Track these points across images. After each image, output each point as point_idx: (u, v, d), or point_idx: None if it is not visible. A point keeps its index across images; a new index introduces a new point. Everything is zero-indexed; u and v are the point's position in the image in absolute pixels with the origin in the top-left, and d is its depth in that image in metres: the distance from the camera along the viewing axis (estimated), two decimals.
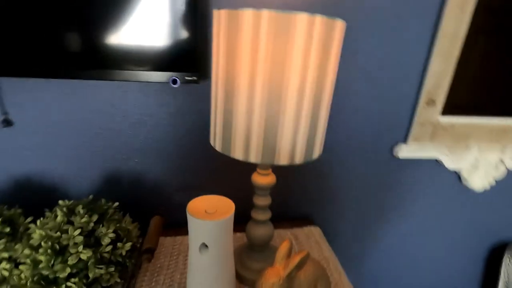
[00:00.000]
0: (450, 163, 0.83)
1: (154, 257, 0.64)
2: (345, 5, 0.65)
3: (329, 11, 0.65)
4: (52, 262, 0.46)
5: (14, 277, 0.48)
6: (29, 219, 0.57)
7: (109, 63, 0.54)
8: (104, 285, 0.51)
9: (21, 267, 0.47)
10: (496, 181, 0.90)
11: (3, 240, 0.51)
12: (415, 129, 0.78)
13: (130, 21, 0.52)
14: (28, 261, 0.47)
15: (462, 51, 0.76)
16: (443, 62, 0.72)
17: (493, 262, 1.06)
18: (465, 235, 1.02)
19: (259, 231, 0.59)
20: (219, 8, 0.60)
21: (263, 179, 0.54)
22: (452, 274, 1.08)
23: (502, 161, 0.87)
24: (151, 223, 0.64)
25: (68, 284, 0.47)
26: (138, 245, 0.63)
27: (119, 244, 0.53)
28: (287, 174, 0.79)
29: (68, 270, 0.47)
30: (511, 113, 0.86)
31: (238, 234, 0.73)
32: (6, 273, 0.48)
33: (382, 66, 0.72)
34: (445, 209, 0.95)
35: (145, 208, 0.75)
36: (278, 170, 0.78)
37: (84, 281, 0.48)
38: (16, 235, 0.55)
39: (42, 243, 0.47)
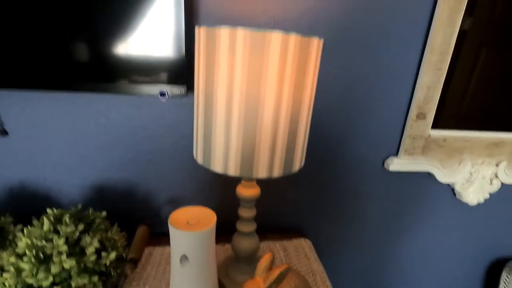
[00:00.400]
0: (442, 177, 0.83)
1: (141, 267, 0.64)
2: (334, 21, 0.67)
3: (319, 27, 0.67)
4: (35, 270, 0.47)
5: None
6: (18, 227, 0.59)
7: (103, 77, 0.56)
8: None
9: (5, 275, 0.48)
10: (490, 195, 0.89)
11: None
12: (406, 143, 0.78)
13: (123, 38, 0.54)
14: (11, 269, 0.47)
15: (454, 64, 0.76)
16: (432, 76, 0.73)
17: (491, 279, 1.04)
18: (462, 251, 1.00)
19: (244, 243, 0.59)
20: (202, 25, 0.63)
21: (247, 191, 0.55)
22: None
23: (496, 175, 0.86)
24: (137, 232, 0.64)
25: None
26: (124, 255, 0.63)
27: (103, 254, 0.54)
28: (278, 186, 0.80)
29: (51, 279, 0.47)
30: (503, 127, 0.86)
31: (227, 246, 0.73)
32: None
33: (373, 80, 0.73)
34: (439, 223, 0.94)
35: (135, 218, 0.75)
36: (269, 181, 0.78)
37: None
38: (5, 243, 0.56)
39: (27, 251, 0.48)
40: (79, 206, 0.61)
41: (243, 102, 0.40)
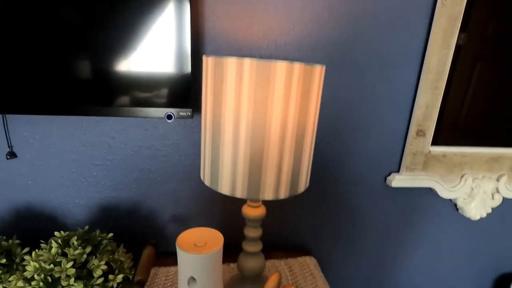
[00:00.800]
0: (444, 192, 0.84)
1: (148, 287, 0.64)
2: (334, 45, 0.69)
3: (319, 51, 0.69)
4: None
5: None
6: (25, 250, 0.59)
7: (111, 100, 0.58)
8: None
9: None
10: (492, 209, 0.90)
11: None
12: (407, 159, 0.79)
13: (131, 61, 0.56)
14: None
15: (450, 79, 0.78)
16: (430, 95, 0.75)
17: None
18: (466, 266, 0.99)
19: (250, 263, 0.59)
20: (211, 50, 0.65)
21: (253, 211, 0.56)
22: None
23: (497, 190, 0.87)
24: (143, 254, 0.65)
25: None
26: (131, 277, 0.63)
27: (110, 276, 0.54)
28: (281, 205, 0.80)
29: None
30: (502, 142, 0.88)
31: (232, 265, 0.73)
32: None
33: (372, 100, 0.75)
34: (442, 238, 0.94)
35: (140, 236, 0.76)
36: (273, 201, 0.79)
37: None
38: (12, 266, 0.56)
39: (35, 276, 0.48)
40: (86, 227, 0.61)
41: (249, 128, 0.41)
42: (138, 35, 0.55)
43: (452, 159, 0.82)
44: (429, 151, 0.80)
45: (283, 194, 0.45)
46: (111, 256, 0.56)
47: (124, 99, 0.59)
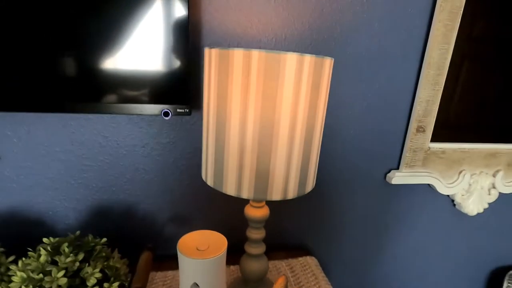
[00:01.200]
0: (442, 188, 0.84)
1: None
2: (335, 39, 0.68)
3: (319, 45, 0.67)
4: None
5: None
6: (10, 259, 0.55)
7: (103, 97, 0.54)
8: None
9: None
10: (489, 205, 0.91)
11: None
12: (407, 156, 0.79)
13: (124, 56, 0.53)
14: None
15: (451, 78, 0.78)
16: (430, 90, 0.74)
17: (493, 287, 1.05)
18: (463, 259, 1.00)
19: (253, 266, 0.57)
20: (209, 44, 0.62)
21: (257, 211, 0.53)
22: None
23: (494, 186, 0.88)
24: (140, 259, 0.61)
25: None
26: (127, 284, 0.60)
27: (105, 285, 0.51)
28: (281, 204, 0.78)
29: None
30: (499, 138, 0.88)
31: (232, 268, 0.71)
32: None
33: (373, 96, 0.74)
34: (440, 233, 0.94)
35: (135, 240, 0.72)
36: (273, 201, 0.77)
37: None
38: None
39: (23, 287, 0.44)
40: (78, 232, 0.57)
41: (257, 124, 0.39)
42: (129, 27, 0.52)
43: (451, 155, 0.82)
44: (429, 148, 0.80)
45: (291, 194, 0.43)
46: (105, 263, 0.53)
47: (116, 96, 0.55)
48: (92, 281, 0.49)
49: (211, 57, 0.40)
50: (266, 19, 0.63)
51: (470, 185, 0.86)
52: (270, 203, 0.77)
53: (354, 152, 0.78)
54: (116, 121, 0.63)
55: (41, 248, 0.50)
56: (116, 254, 0.57)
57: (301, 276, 0.71)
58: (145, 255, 0.62)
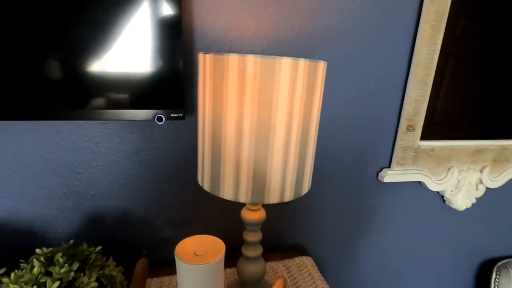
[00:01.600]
0: (433, 185, 0.86)
1: None
2: (324, 41, 0.68)
3: (310, 47, 0.68)
4: None
5: None
6: (2, 271, 0.53)
7: (94, 103, 0.54)
8: None
9: None
10: (476, 200, 0.93)
11: None
12: (397, 154, 0.80)
13: (115, 60, 0.52)
14: None
15: (436, 77, 0.80)
16: (419, 90, 0.76)
17: (482, 280, 1.08)
18: (453, 254, 1.03)
19: (251, 269, 0.57)
20: (202, 48, 0.62)
21: (253, 214, 0.53)
22: None
23: (481, 181, 0.91)
24: (136, 267, 0.60)
25: None
26: None
27: None
28: (276, 205, 0.79)
29: None
30: (484, 135, 0.91)
31: (228, 270, 0.71)
32: None
33: (363, 96, 0.75)
34: (431, 229, 0.96)
35: (130, 247, 0.71)
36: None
37: None
38: None
39: None
40: (71, 241, 0.56)
41: (254, 128, 0.39)
42: (120, 30, 0.51)
43: (439, 152, 0.84)
44: (419, 146, 0.82)
45: (288, 197, 0.44)
46: (101, 272, 0.52)
47: (108, 102, 0.54)
48: None
49: (205, 62, 0.40)
50: (258, 22, 0.64)
51: (458, 181, 0.88)
52: (265, 205, 0.77)
53: (346, 152, 0.79)
54: (107, 126, 0.62)
55: (34, 259, 0.49)
56: (111, 262, 0.56)
57: (297, 276, 0.71)
58: (141, 263, 0.61)
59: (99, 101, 0.54)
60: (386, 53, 0.73)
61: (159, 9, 0.52)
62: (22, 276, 0.47)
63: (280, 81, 0.37)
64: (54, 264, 0.49)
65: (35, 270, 0.47)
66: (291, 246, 0.84)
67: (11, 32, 0.47)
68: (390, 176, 0.81)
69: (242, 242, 0.58)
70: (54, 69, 0.51)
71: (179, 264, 0.45)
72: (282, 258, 0.77)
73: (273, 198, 0.42)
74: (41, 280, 0.46)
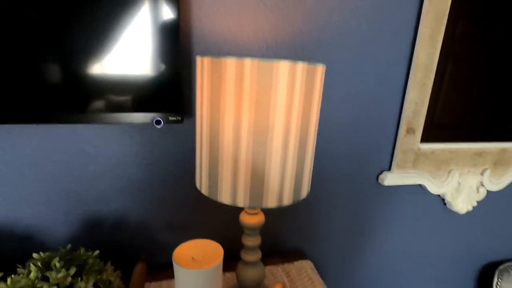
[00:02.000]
0: (433, 188, 0.85)
1: None
2: (324, 44, 0.68)
3: (309, 50, 0.68)
4: None
5: None
6: None
7: (92, 106, 0.53)
8: None
9: None
10: (477, 203, 0.93)
11: None
12: (397, 157, 0.80)
13: (113, 63, 0.52)
14: None
15: (436, 78, 0.80)
16: (419, 92, 0.75)
17: (484, 284, 1.07)
18: (454, 257, 1.02)
19: (250, 273, 0.57)
20: (200, 50, 0.62)
21: (252, 218, 0.53)
22: None
23: (482, 184, 0.90)
24: (134, 271, 0.60)
25: None
26: None
27: None
28: (274, 209, 0.78)
29: None
30: (484, 136, 0.91)
31: (228, 275, 0.70)
32: None
33: (363, 99, 0.75)
34: (432, 232, 0.96)
35: (128, 252, 0.71)
36: None
37: None
38: None
39: None
40: (69, 246, 0.56)
41: (251, 132, 0.38)
42: (118, 34, 0.51)
43: (440, 155, 0.84)
44: (419, 148, 0.81)
45: (286, 201, 0.43)
46: (98, 277, 0.52)
47: (106, 105, 0.54)
48: None
49: (203, 65, 0.40)
50: (257, 25, 0.63)
51: (459, 184, 0.88)
52: (264, 209, 0.77)
53: (346, 155, 0.78)
54: (105, 130, 0.62)
55: (31, 264, 0.49)
56: (109, 267, 0.56)
57: (297, 281, 0.70)
58: (139, 267, 0.60)
59: (97, 105, 0.54)
60: (386, 55, 0.73)
61: (156, 12, 0.52)
62: (19, 281, 0.46)
63: (278, 85, 0.37)
64: (51, 269, 0.49)
65: (32, 275, 0.47)
66: (290, 250, 0.84)
67: (10, 35, 0.47)
68: (390, 179, 0.81)
69: (241, 246, 0.58)
70: (52, 73, 0.50)
71: (177, 269, 0.45)
72: (282, 262, 0.77)
73: (271, 202, 0.42)
74: (38, 286, 0.46)
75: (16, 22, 0.47)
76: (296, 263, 0.77)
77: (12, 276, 0.48)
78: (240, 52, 0.64)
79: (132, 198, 0.68)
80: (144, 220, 0.70)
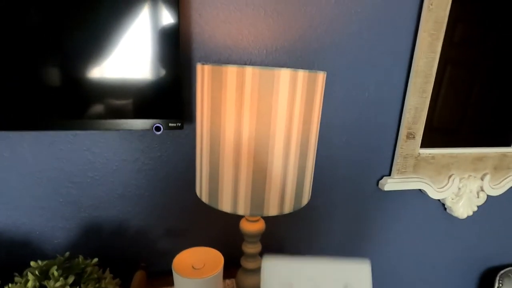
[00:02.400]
0: (434, 193, 0.85)
1: None
2: (323, 50, 0.68)
3: (309, 56, 0.68)
4: None
5: None
6: None
7: (92, 113, 0.53)
8: None
9: None
10: (478, 207, 0.92)
11: None
12: (398, 163, 0.80)
13: (113, 70, 0.52)
14: None
15: (437, 83, 0.80)
16: (418, 98, 0.75)
17: (485, 287, 1.06)
18: (455, 262, 1.02)
19: (250, 281, 0.56)
20: (200, 57, 0.62)
21: (252, 226, 0.53)
22: None
23: (482, 189, 0.90)
24: (133, 279, 0.59)
25: None
26: None
27: None
28: (275, 216, 0.78)
29: None
30: (484, 141, 0.91)
31: (228, 282, 0.70)
32: None
33: (363, 104, 0.75)
34: (432, 237, 0.95)
35: (127, 259, 0.70)
36: None
37: None
38: None
39: None
40: (67, 254, 0.55)
41: (252, 139, 0.38)
42: (118, 40, 0.51)
43: (440, 160, 0.84)
44: (419, 154, 0.81)
45: (287, 209, 0.43)
46: (97, 285, 0.51)
47: (106, 111, 0.54)
48: None
49: (203, 73, 0.40)
50: (257, 31, 0.63)
51: (459, 189, 0.88)
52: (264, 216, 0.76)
53: (346, 160, 0.78)
54: (105, 136, 0.62)
55: (29, 273, 0.48)
56: (108, 275, 0.55)
57: None
58: (139, 275, 0.60)
59: (97, 111, 0.53)
60: (386, 61, 0.73)
61: (157, 17, 0.51)
62: None
63: (279, 93, 0.37)
64: (49, 278, 0.48)
65: (30, 284, 0.46)
66: (290, 254, 0.83)
67: (8, 39, 0.47)
68: (390, 184, 0.80)
69: (241, 252, 0.57)
70: (52, 79, 0.50)
71: (177, 278, 0.44)
72: None
73: (272, 210, 0.42)
74: None
75: (15, 27, 0.46)
76: None
77: (10, 285, 0.47)
78: (240, 57, 0.64)
79: (132, 204, 0.67)
80: (144, 227, 0.69)
